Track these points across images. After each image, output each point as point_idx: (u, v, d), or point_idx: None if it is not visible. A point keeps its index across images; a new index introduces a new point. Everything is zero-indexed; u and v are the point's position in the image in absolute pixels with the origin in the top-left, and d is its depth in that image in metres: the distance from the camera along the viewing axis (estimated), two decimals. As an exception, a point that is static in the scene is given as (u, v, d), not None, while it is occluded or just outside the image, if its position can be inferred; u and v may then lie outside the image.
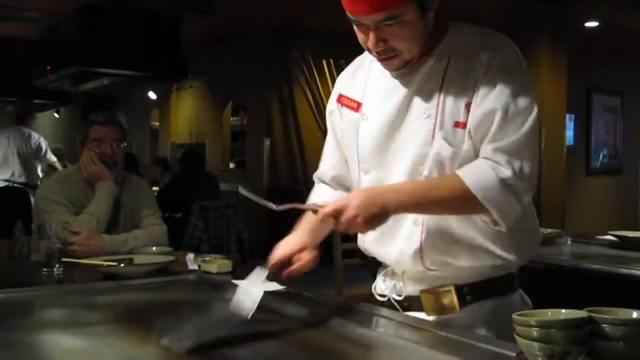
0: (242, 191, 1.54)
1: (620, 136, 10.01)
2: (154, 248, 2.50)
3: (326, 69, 8.22)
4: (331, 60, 8.10)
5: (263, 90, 8.48)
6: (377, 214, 1.40)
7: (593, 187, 9.49)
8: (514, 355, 1.18)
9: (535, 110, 1.44)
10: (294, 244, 1.62)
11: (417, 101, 1.51)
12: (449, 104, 1.47)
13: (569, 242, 3.30)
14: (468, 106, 1.45)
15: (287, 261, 1.60)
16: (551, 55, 6.90)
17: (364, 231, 1.50)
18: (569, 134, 8.50)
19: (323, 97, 8.15)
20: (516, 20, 6.62)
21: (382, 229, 1.54)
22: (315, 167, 1.83)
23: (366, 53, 1.64)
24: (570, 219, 7.59)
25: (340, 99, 1.68)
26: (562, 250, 3.13)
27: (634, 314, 1.15)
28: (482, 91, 1.44)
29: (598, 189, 9.61)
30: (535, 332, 1.12)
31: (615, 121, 9.91)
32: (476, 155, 1.45)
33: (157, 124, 11.41)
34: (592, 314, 1.14)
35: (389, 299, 1.63)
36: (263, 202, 1.48)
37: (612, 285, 2.46)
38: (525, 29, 6.46)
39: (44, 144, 7.47)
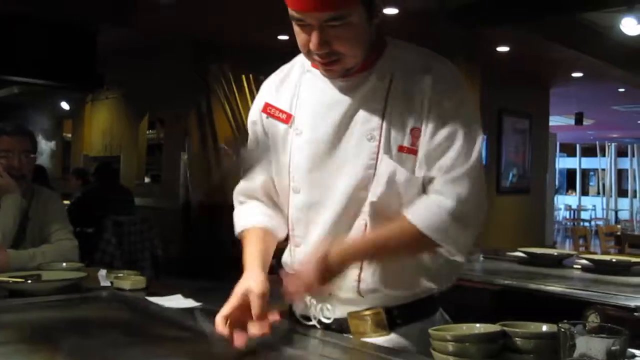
0: (198, 317, 1.59)
1: (528, 157, 10.43)
2: (64, 264, 2.40)
3: (245, 84, 8.19)
4: (250, 76, 8.08)
5: (181, 104, 8.37)
6: (336, 276, 1.44)
7: (503, 206, 9.81)
8: (430, 370, 1.20)
9: (481, 137, 1.45)
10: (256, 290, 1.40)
11: (359, 121, 1.46)
12: (394, 128, 1.44)
13: (481, 258, 3.39)
14: (414, 131, 1.43)
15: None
16: (465, 77, 7.10)
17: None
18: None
19: (242, 112, 8.10)
20: (431, 41, 6.78)
21: None
22: (233, 183, 1.72)
23: (294, 61, 1.60)
24: (482, 235, 7.80)
25: (266, 108, 1.59)
26: (474, 266, 3.20)
27: (544, 328, 1.20)
28: (431, 122, 1.42)
29: (508, 207, 9.95)
30: (450, 346, 1.15)
31: (524, 142, 10.33)
32: (425, 180, 1.44)
33: (69, 135, 11.07)
34: (505, 328, 1.18)
35: (316, 322, 1.56)
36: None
37: (523, 300, 2.55)
38: (439, 49, 6.60)
39: None
